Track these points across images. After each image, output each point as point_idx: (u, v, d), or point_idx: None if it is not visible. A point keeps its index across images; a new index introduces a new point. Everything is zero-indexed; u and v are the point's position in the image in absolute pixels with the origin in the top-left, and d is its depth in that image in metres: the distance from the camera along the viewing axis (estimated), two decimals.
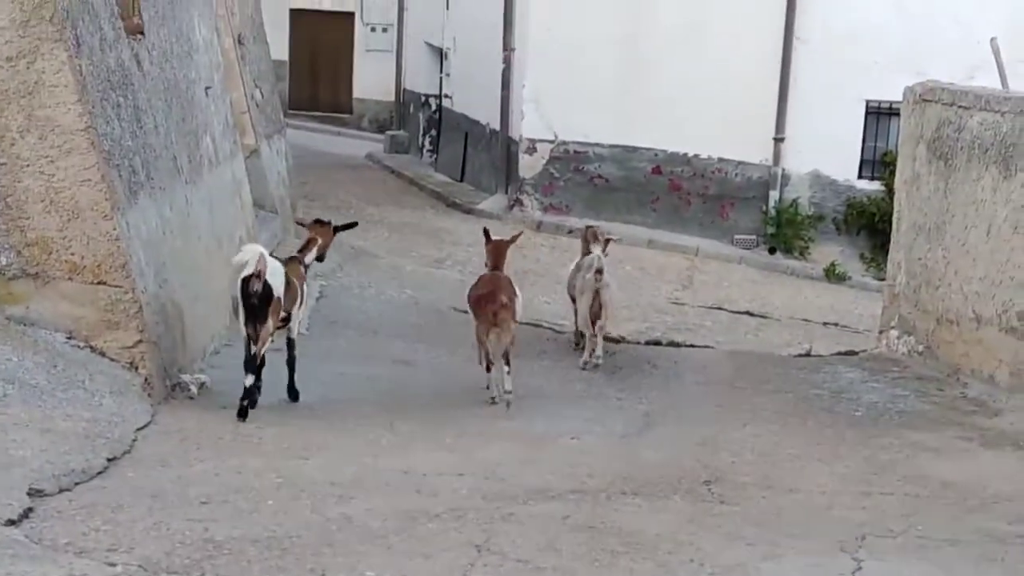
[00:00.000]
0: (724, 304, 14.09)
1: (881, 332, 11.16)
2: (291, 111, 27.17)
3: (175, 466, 6.29)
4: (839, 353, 11.57)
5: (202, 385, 7.86)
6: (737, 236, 17.10)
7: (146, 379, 7.30)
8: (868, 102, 18.82)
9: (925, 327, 10.26)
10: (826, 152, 18.99)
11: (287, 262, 7.92)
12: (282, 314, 7.66)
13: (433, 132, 24.90)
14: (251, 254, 7.44)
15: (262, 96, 14.09)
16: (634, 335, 12.14)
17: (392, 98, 28.30)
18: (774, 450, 7.63)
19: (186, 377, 7.83)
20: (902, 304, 10.69)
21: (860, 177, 19.18)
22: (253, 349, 7.46)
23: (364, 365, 9.42)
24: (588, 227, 11.15)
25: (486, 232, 9.21)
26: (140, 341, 7.31)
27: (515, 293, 8.62)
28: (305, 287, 8.15)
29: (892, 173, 11.92)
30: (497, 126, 20.38)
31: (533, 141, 19.55)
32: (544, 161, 19.58)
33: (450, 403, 8.51)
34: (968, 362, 9.53)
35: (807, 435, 8.08)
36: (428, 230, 17.55)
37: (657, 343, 11.79)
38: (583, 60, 19.05)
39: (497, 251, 8.95)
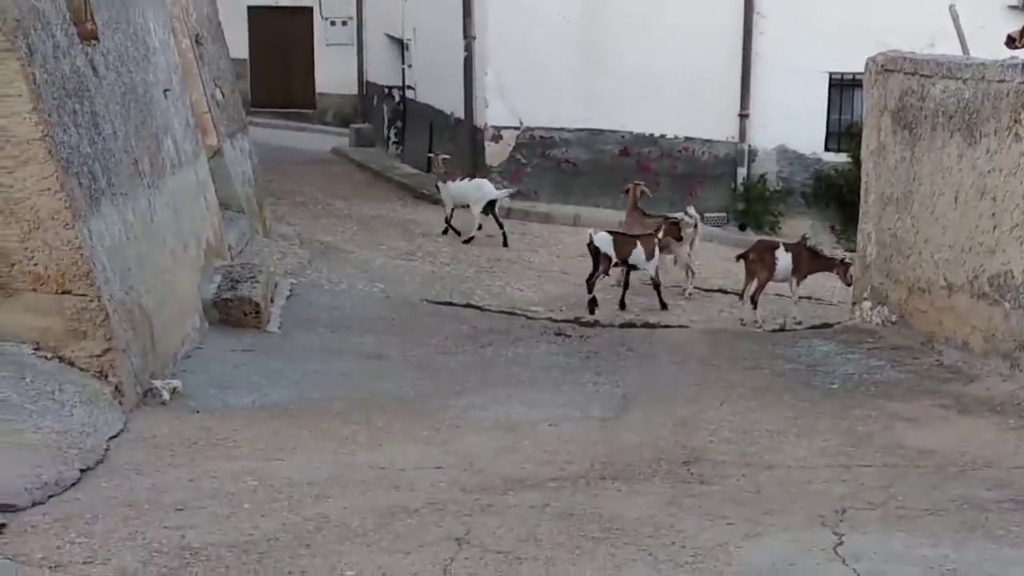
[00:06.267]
0: (697, 283, 14.07)
1: (854, 304, 11.18)
2: (254, 109, 27.03)
3: (149, 474, 6.21)
4: (813, 326, 11.59)
5: (174, 390, 7.77)
6: (707, 214, 17.02)
7: (116, 387, 7.20)
8: (831, 74, 18.84)
9: (898, 297, 10.28)
10: (792, 126, 19.00)
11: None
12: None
13: (398, 123, 24.78)
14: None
15: (223, 95, 13.97)
16: (608, 318, 12.12)
17: (355, 91, 28.22)
18: (752, 427, 7.62)
19: (157, 383, 7.74)
20: (874, 275, 10.70)
21: (827, 150, 19.21)
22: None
23: (337, 361, 9.35)
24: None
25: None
26: (108, 349, 7.22)
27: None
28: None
29: (858, 144, 11.91)
30: (462, 115, 20.28)
31: (498, 128, 19.49)
32: (510, 148, 19.52)
33: (424, 396, 8.46)
34: (942, 330, 9.55)
35: (784, 410, 8.08)
36: (397, 222, 17.46)
37: (631, 325, 11.79)
38: (544, 45, 19.00)
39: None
